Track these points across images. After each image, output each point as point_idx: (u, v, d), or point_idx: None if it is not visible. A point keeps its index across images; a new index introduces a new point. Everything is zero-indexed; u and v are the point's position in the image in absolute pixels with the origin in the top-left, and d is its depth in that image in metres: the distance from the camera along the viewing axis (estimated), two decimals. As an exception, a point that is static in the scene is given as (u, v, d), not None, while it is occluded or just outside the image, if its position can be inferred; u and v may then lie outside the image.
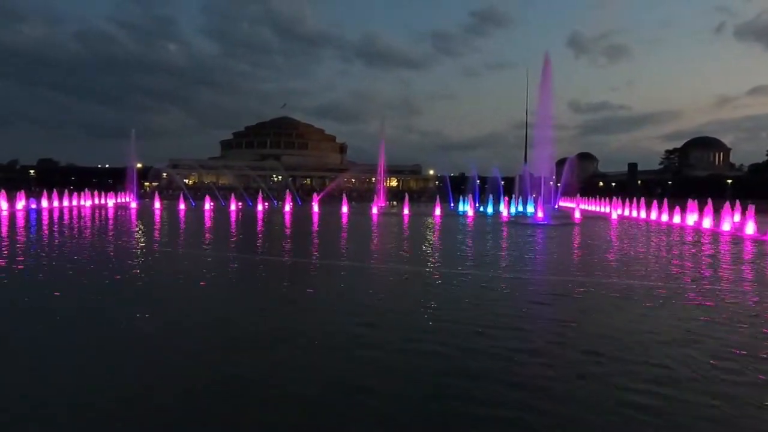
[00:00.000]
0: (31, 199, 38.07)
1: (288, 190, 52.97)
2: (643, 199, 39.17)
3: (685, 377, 5.36)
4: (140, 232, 22.67)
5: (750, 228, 22.91)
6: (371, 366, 5.70)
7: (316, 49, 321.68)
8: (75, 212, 35.35)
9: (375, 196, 55.78)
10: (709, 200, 29.06)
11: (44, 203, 39.30)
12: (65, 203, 42.93)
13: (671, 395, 4.88)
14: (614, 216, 38.12)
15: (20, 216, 29.01)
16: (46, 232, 21.49)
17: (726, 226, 24.99)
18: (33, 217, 29.08)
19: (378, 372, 5.51)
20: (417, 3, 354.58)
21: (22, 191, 37.73)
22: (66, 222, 26.70)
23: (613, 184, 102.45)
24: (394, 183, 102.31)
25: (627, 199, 42.10)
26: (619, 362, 5.84)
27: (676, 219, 31.08)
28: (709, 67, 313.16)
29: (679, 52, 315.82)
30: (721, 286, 11.05)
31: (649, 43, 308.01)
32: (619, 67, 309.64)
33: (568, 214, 39.74)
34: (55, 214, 31.90)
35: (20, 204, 35.22)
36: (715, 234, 23.64)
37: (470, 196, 43.89)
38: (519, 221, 32.31)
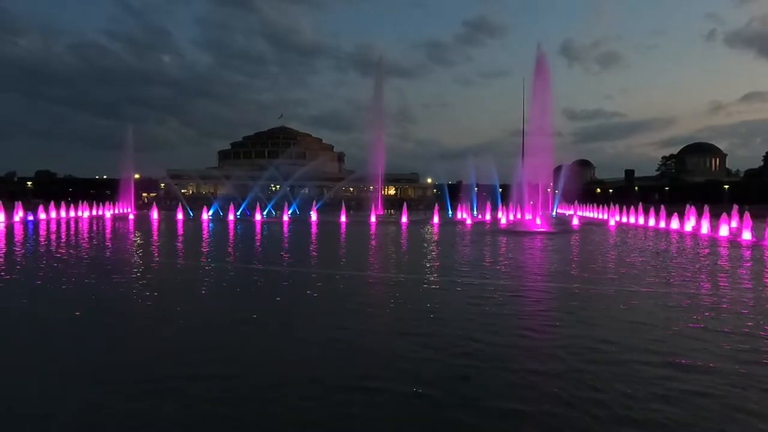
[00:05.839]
0: (28, 212, 37.79)
1: (286, 200, 52.98)
2: (640, 206, 39.21)
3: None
4: (137, 243, 22.63)
5: (746, 234, 22.99)
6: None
7: (312, 60, 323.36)
8: (72, 224, 35.26)
9: (373, 205, 55.66)
10: (707, 206, 29.11)
11: (42, 215, 39.19)
12: (63, 214, 42.80)
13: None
14: (612, 222, 38.15)
15: (18, 228, 28.95)
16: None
17: (723, 232, 25.03)
18: (30, 228, 28.99)
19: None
20: (411, 13, 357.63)
21: (20, 203, 37.60)
22: (54, 234, 26.60)
23: (611, 190, 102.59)
24: (392, 191, 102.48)
25: (625, 206, 42.16)
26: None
27: (674, 225, 31.10)
28: (701, 74, 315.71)
29: (671, 59, 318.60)
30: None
31: (641, 50, 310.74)
32: (612, 75, 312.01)
33: (566, 221, 39.75)
34: (52, 226, 31.82)
35: (17, 216, 35.07)
36: (714, 240, 23.64)
37: (468, 204, 43.90)
38: (517, 229, 32.26)
